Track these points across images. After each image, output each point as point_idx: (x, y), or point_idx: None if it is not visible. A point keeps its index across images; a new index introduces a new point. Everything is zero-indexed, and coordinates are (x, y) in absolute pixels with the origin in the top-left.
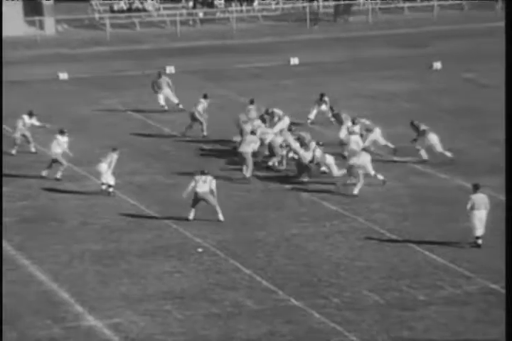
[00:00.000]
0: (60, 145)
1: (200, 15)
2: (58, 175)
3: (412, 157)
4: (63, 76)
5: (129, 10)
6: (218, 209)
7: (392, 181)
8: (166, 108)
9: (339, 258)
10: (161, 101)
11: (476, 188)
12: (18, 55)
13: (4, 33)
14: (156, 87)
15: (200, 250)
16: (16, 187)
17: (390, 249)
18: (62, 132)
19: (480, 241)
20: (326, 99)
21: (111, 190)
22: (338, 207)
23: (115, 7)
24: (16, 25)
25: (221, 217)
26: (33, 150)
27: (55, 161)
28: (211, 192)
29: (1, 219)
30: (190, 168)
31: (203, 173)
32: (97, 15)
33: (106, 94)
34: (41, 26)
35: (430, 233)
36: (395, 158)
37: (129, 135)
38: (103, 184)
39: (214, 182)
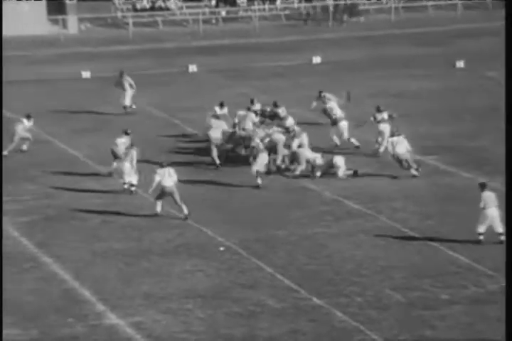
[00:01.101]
0: (27, 130)
1: (223, 13)
2: (25, 147)
3: (436, 155)
4: (86, 74)
5: (152, 8)
6: (183, 204)
7: (416, 180)
8: (131, 108)
9: (361, 257)
10: (124, 102)
11: (483, 187)
12: (41, 53)
13: (28, 32)
14: (119, 87)
15: (222, 249)
16: (38, 185)
17: (412, 248)
18: (28, 117)
19: (482, 238)
20: (325, 95)
21: (133, 188)
22: (361, 205)
23: (138, 6)
24: (39, 24)
25: (186, 211)
26: (24, 148)
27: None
28: (175, 184)
29: (0, 216)
30: (212, 168)
31: (162, 166)
32: (119, 14)
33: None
34: (64, 25)
35: (453, 232)
36: (418, 157)
37: (152, 133)
38: (125, 183)
39: (172, 171)
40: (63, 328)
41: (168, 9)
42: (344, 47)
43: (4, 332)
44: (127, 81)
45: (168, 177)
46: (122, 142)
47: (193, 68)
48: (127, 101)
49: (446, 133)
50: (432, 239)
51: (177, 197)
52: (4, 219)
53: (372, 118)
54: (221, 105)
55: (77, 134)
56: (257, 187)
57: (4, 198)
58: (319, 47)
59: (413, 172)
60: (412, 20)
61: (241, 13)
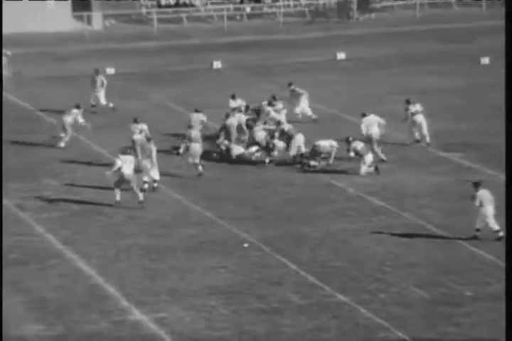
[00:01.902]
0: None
1: (248, 10)
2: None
3: (460, 152)
4: (110, 71)
5: (177, 5)
6: (138, 192)
7: (440, 177)
8: (107, 107)
9: (385, 254)
10: (92, 100)
11: (477, 186)
12: (66, 50)
13: (53, 29)
14: (93, 85)
15: (246, 245)
16: (62, 181)
17: (436, 245)
18: (78, 107)
19: (478, 234)
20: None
21: (155, 185)
22: (385, 202)
23: (162, 2)
24: (64, 20)
25: (141, 197)
26: (61, 145)
27: None
28: (134, 173)
29: (1, 213)
30: (236, 163)
31: (125, 153)
32: (144, 10)
33: (153, 89)
34: (89, 21)
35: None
36: (442, 154)
37: (175, 130)
38: (145, 182)
39: (134, 160)
40: (87, 324)
41: (192, 5)
42: (369, 43)
43: (29, 327)
44: (101, 80)
45: (128, 165)
46: (139, 139)
47: (217, 64)
48: (102, 100)
49: (471, 130)
50: (456, 236)
51: (134, 185)
52: (28, 215)
53: (407, 111)
54: (233, 97)
55: (102, 130)
56: (199, 175)
57: (28, 194)
58: (344, 43)
59: (382, 156)
60: (437, 17)
61: (265, 9)
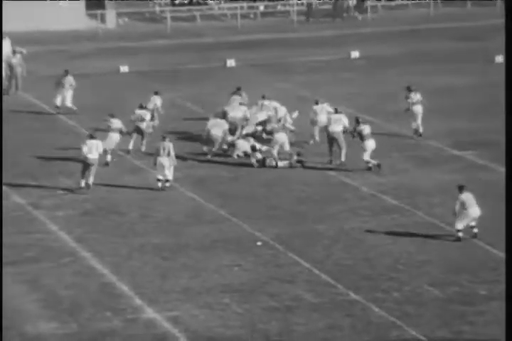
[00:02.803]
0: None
1: (261, 8)
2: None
3: (473, 151)
4: (124, 69)
5: (190, 3)
6: (92, 176)
7: (453, 175)
8: (71, 110)
9: (399, 252)
10: (58, 101)
11: (461, 189)
12: (79, 48)
13: (66, 27)
14: (59, 86)
15: (259, 243)
16: (76, 179)
17: (450, 244)
18: (142, 107)
19: (461, 234)
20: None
21: (168, 184)
22: (398, 200)
23: (176, 0)
24: (78, 18)
25: (91, 181)
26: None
27: None
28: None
29: (1, 212)
30: (249, 162)
31: (92, 137)
32: (157, 9)
33: (166, 88)
34: (103, 20)
35: (491, 227)
36: (455, 152)
37: (189, 129)
38: (159, 180)
39: (100, 145)
40: (101, 322)
41: (206, 4)
42: (383, 41)
43: (43, 325)
44: (69, 81)
45: (94, 150)
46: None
47: (231, 63)
48: (68, 102)
49: (484, 129)
50: (469, 235)
51: (94, 169)
52: (42, 213)
53: (408, 100)
54: (238, 90)
55: None
56: (106, 164)
57: (42, 192)
58: (358, 41)
59: (342, 158)
60: (450, 15)
61: (279, 7)
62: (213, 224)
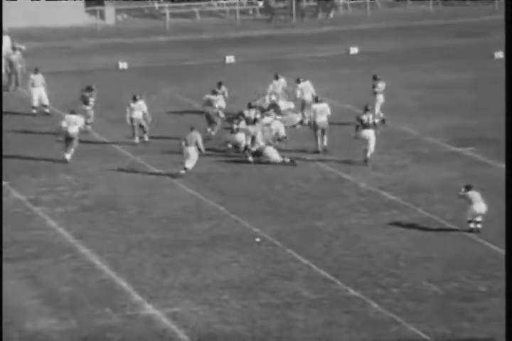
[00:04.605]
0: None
1: (260, 4)
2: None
3: (472, 147)
4: (123, 65)
5: None
6: (73, 150)
7: (453, 171)
8: (35, 111)
9: (398, 249)
10: (35, 102)
11: (468, 188)
12: (78, 44)
13: (65, 23)
14: (31, 85)
15: (258, 240)
16: (75, 175)
17: (449, 240)
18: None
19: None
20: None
21: (182, 172)
22: (398, 197)
23: None
24: (77, 15)
25: (69, 156)
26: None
27: None
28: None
29: (1, 211)
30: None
31: (71, 113)
32: (156, 5)
33: (165, 84)
34: (102, 16)
35: (490, 224)
36: (454, 148)
37: (189, 125)
38: (185, 168)
39: (80, 119)
40: (100, 318)
41: (205, 0)
42: (382, 37)
43: (42, 322)
44: (40, 79)
45: (73, 125)
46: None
47: (230, 59)
48: (45, 101)
49: (483, 125)
50: (469, 231)
51: (75, 143)
52: (41, 209)
53: (375, 89)
54: (219, 85)
55: (115, 125)
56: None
57: (41, 189)
58: (356, 37)
59: (325, 143)
60: (450, 11)
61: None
62: (212, 221)
